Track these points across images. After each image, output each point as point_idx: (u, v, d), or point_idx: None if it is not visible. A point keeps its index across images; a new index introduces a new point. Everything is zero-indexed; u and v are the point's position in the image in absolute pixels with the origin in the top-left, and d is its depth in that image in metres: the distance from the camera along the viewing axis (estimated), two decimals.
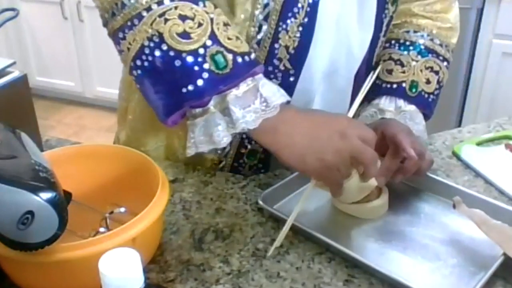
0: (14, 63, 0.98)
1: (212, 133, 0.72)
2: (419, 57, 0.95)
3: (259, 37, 0.80)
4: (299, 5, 0.79)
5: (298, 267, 0.74)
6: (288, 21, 0.80)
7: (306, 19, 0.80)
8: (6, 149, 0.63)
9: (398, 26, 0.98)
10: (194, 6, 0.70)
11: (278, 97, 0.74)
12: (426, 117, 0.97)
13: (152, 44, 0.69)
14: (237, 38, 0.73)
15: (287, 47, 0.82)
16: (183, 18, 0.69)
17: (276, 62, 0.82)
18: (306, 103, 0.90)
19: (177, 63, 0.68)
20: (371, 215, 0.83)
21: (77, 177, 0.76)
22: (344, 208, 0.84)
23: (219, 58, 0.69)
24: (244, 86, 0.71)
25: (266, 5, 0.78)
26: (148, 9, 0.69)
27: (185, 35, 0.68)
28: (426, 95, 0.95)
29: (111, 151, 0.81)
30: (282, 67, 0.83)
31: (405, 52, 0.95)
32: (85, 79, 3.25)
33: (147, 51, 0.69)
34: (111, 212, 0.73)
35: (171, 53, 0.68)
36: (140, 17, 0.69)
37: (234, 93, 0.71)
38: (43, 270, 0.64)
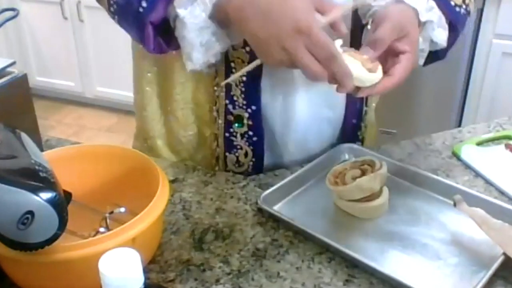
0: (14, 63, 0.98)
1: (184, 37, 0.75)
2: None
3: None
4: None
5: (298, 267, 0.74)
6: None
7: None
8: (6, 149, 0.63)
9: None
10: None
11: None
12: (456, 30, 0.86)
13: None
14: None
15: None
16: None
17: None
18: None
19: None
20: (371, 215, 0.83)
21: (77, 177, 0.76)
22: (344, 206, 0.84)
23: None
24: None
25: None
26: None
27: None
28: (453, 3, 0.85)
29: (111, 151, 0.81)
30: None
31: None
32: (85, 79, 3.24)
33: None
34: (111, 212, 0.73)
35: None
36: None
37: None
38: (43, 270, 0.64)
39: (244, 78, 0.87)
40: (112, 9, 0.79)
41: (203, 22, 0.74)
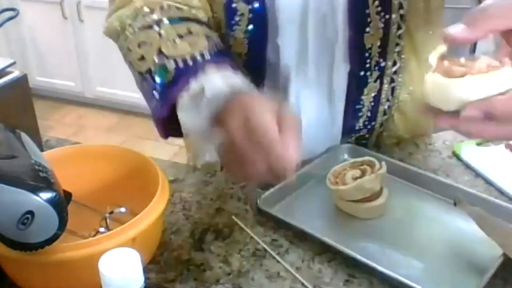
0: (14, 63, 0.98)
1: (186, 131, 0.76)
2: None
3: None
4: (239, 13, 0.83)
5: (298, 267, 0.74)
6: (234, 28, 0.85)
7: (250, 26, 0.84)
8: (6, 149, 0.63)
9: None
10: (150, 31, 0.77)
11: (220, 88, 0.69)
12: None
13: (131, 71, 0.80)
14: (189, 45, 0.75)
15: (239, 54, 0.86)
16: (140, 44, 0.78)
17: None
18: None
19: (144, 83, 0.77)
20: (371, 215, 0.83)
21: (77, 177, 0.76)
22: (344, 207, 0.84)
23: (162, 68, 0.74)
24: (193, 87, 0.71)
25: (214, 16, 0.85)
26: (126, 38, 0.80)
27: (142, 58, 0.77)
28: None
29: (111, 151, 0.81)
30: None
31: None
32: (85, 79, 3.25)
33: (132, 73, 0.80)
34: (111, 212, 0.74)
35: (139, 75, 0.78)
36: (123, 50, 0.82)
37: (184, 98, 0.71)
38: (43, 270, 0.64)
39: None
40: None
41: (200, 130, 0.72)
